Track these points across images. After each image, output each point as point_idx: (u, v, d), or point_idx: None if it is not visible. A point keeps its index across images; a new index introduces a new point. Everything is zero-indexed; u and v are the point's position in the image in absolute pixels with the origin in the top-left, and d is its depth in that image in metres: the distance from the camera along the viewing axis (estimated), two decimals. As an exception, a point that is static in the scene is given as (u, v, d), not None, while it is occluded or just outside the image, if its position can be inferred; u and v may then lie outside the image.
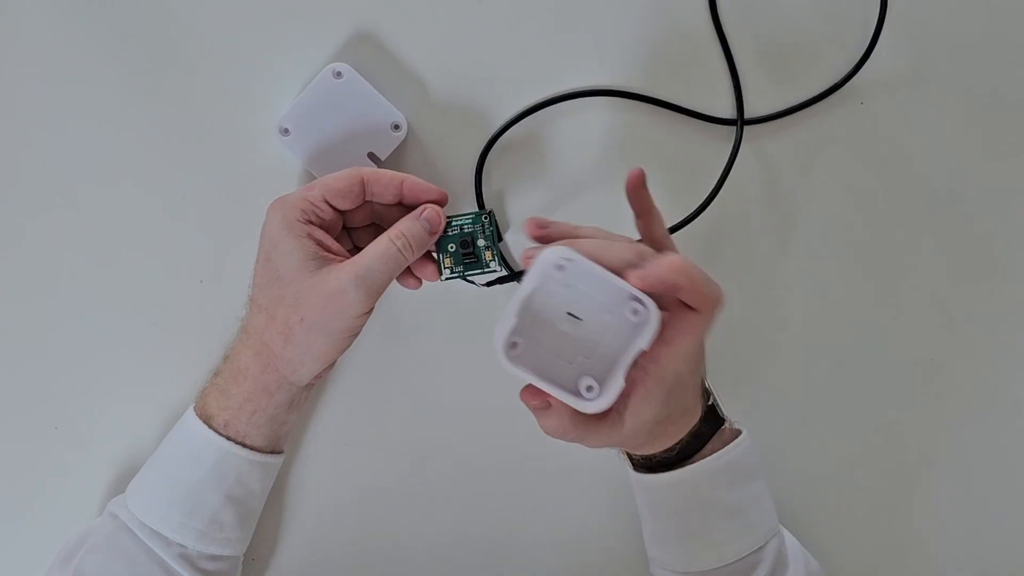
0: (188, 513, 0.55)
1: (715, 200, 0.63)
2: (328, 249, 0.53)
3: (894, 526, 0.68)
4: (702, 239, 0.64)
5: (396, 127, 0.59)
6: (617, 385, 0.47)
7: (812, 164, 0.65)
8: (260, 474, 0.58)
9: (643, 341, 0.47)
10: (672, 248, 0.56)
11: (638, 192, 0.54)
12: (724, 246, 0.65)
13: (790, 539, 0.60)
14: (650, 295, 0.46)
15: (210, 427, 0.55)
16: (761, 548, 0.57)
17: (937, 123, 0.66)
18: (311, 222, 0.53)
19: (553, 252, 0.47)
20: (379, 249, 0.52)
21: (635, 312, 0.47)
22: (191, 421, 0.56)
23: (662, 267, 0.46)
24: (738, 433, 0.58)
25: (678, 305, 0.48)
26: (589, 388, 0.48)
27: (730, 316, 0.64)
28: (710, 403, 0.56)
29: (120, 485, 0.62)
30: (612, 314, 0.48)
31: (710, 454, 0.56)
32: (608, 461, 0.64)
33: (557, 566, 0.66)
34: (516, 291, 0.47)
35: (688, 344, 0.48)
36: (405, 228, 0.53)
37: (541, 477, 0.65)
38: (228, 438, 0.55)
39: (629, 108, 0.63)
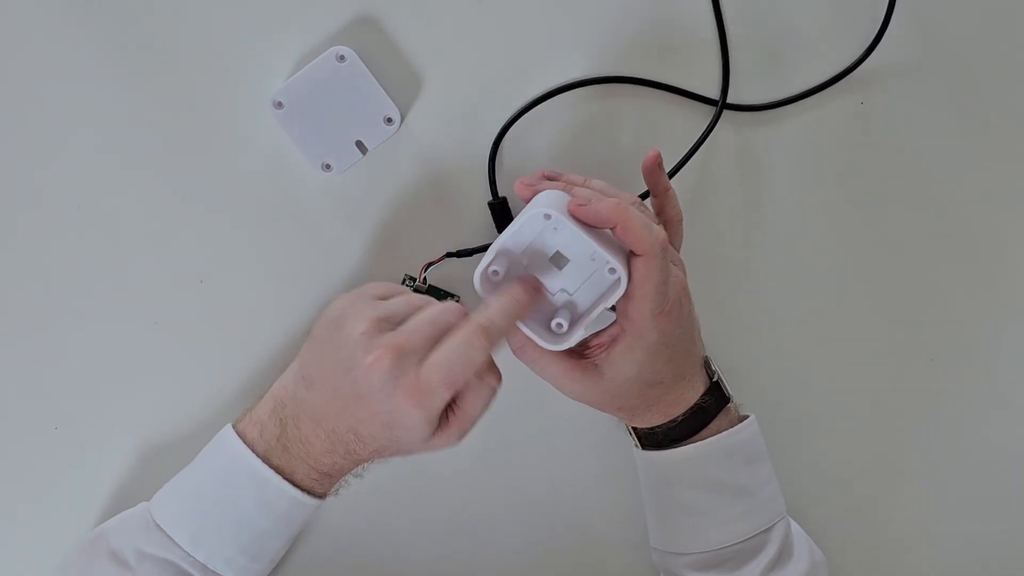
0: (253, 557, 0.55)
1: (708, 191, 0.64)
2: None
3: (893, 524, 0.68)
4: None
5: (389, 120, 0.60)
6: (576, 335, 0.51)
7: (808, 158, 0.66)
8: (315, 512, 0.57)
9: (608, 301, 0.50)
10: (680, 231, 0.59)
11: (653, 173, 0.57)
12: (715, 239, 0.66)
13: (796, 528, 0.60)
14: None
15: (283, 477, 0.53)
16: (768, 529, 0.57)
17: (936, 122, 0.66)
18: None
19: (544, 199, 0.50)
20: (480, 403, 0.50)
21: (611, 271, 0.50)
22: (263, 470, 0.53)
23: (603, 204, 0.49)
24: (745, 417, 0.58)
25: (631, 258, 0.50)
26: (559, 325, 0.51)
27: (726, 315, 0.65)
28: (714, 380, 0.57)
29: (119, 487, 0.62)
30: (596, 263, 0.51)
31: (717, 433, 0.56)
32: (609, 458, 0.65)
33: (556, 560, 0.65)
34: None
35: (649, 293, 0.50)
36: (495, 372, 0.51)
37: (540, 472, 0.65)
38: (301, 489, 0.54)
39: (630, 92, 0.64)
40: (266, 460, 0.53)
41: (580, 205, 0.50)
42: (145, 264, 0.62)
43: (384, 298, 0.52)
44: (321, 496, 0.55)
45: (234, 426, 0.55)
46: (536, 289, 0.51)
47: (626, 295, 0.51)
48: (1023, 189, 0.67)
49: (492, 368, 0.51)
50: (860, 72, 0.65)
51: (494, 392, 0.51)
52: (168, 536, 0.54)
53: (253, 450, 0.53)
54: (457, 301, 0.60)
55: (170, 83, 0.61)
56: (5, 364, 0.62)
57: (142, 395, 0.62)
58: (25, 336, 0.62)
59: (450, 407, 0.50)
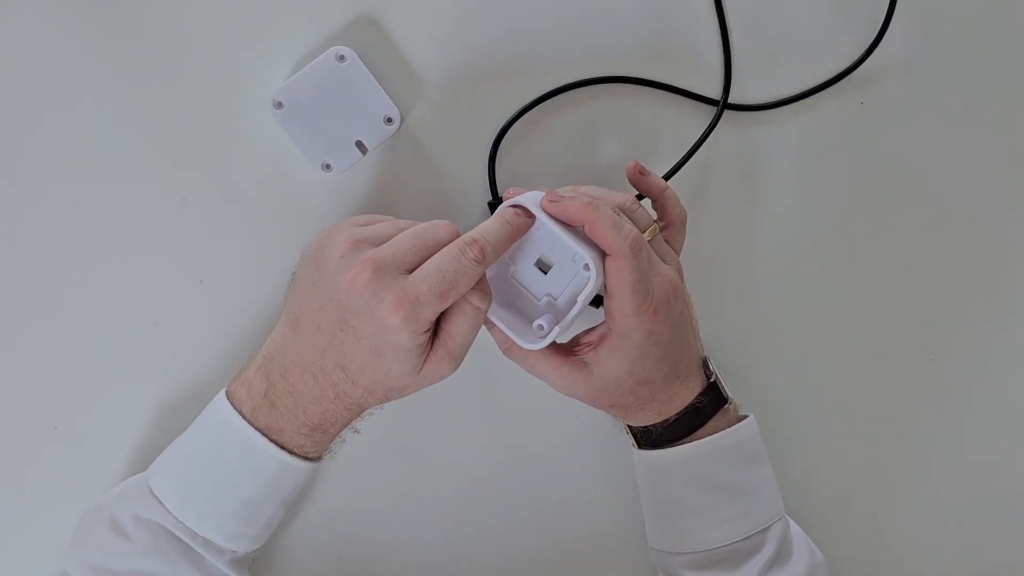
0: (244, 523, 0.54)
1: (710, 191, 0.65)
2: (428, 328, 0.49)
3: (893, 524, 0.68)
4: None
5: (389, 120, 0.60)
6: (554, 334, 0.51)
7: (809, 158, 0.66)
8: (312, 476, 0.57)
9: (581, 298, 0.50)
10: (682, 231, 0.59)
11: (639, 183, 0.58)
12: (715, 240, 0.66)
13: (796, 529, 0.60)
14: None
15: (269, 439, 0.53)
16: (766, 529, 0.57)
17: (936, 122, 0.66)
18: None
19: (522, 199, 0.51)
20: (467, 325, 0.49)
21: (586, 268, 0.50)
22: (249, 432, 0.52)
23: (573, 202, 0.50)
24: (744, 417, 0.59)
25: (605, 257, 0.51)
26: (540, 327, 0.51)
27: (725, 315, 0.65)
28: (711, 380, 0.57)
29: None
30: (576, 264, 0.51)
31: (714, 432, 0.56)
32: (608, 457, 0.65)
33: (555, 559, 0.65)
34: None
35: (625, 292, 0.50)
36: (480, 292, 0.50)
37: (539, 471, 0.66)
38: (290, 452, 0.53)
39: (630, 92, 0.64)
40: (253, 420, 0.53)
41: (552, 201, 0.50)
42: (145, 264, 0.62)
43: (363, 224, 0.52)
44: (314, 459, 0.54)
45: (227, 388, 0.55)
46: (527, 216, 0.51)
47: (608, 295, 0.51)
48: (1023, 189, 0.67)
49: (480, 289, 0.49)
50: (860, 72, 0.65)
51: (481, 313, 0.50)
52: (159, 501, 0.54)
53: (240, 411, 0.53)
54: None
55: (170, 83, 0.61)
56: (5, 364, 0.62)
57: (142, 395, 0.62)
58: (25, 336, 0.62)
59: (435, 337, 0.49)
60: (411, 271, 0.48)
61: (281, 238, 0.62)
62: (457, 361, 0.50)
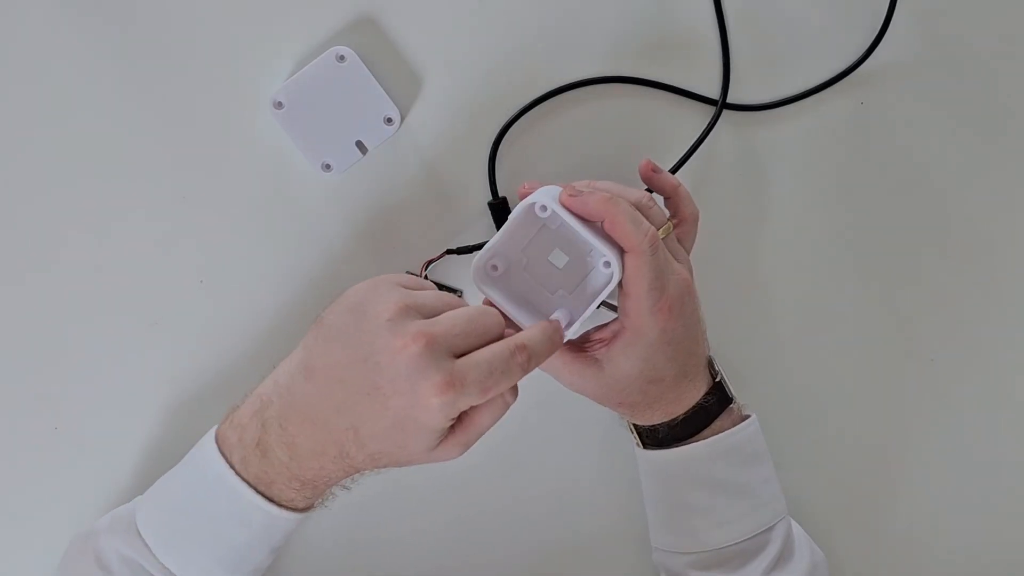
0: (233, 569, 0.53)
1: (709, 191, 0.65)
2: None
3: (893, 524, 0.68)
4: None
5: (389, 121, 0.60)
6: (571, 331, 0.50)
7: (809, 158, 0.66)
8: (302, 523, 0.55)
9: (600, 296, 0.50)
10: (694, 229, 0.59)
11: (652, 180, 0.58)
12: (715, 240, 0.66)
13: (797, 528, 0.60)
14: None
15: (257, 492, 0.50)
16: (770, 529, 0.57)
17: (936, 122, 0.67)
18: None
19: (540, 194, 0.51)
20: (493, 417, 0.48)
21: (606, 264, 0.50)
22: (236, 484, 0.51)
23: (593, 197, 0.50)
24: (747, 416, 0.59)
25: (623, 254, 0.50)
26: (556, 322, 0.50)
27: (726, 315, 0.65)
28: (717, 380, 0.57)
29: (120, 487, 0.62)
30: (592, 259, 0.51)
31: (719, 432, 0.57)
32: (610, 457, 0.65)
33: (556, 560, 0.65)
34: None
35: (642, 289, 0.50)
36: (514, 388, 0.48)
37: (539, 471, 0.65)
38: (280, 505, 0.51)
39: (630, 92, 0.64)
40: (242, 470, 0.51)
41: (571, 196, 0.50)
42: (145, 264, 0.62)
43: (409, 288, 0.50)
44: (302, 510, 0.52)
45: (217, 428, 0.53)
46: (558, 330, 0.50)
47: (624, 292, 0.51)
48: (1022, 188, 0.67)
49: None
50: (860, 72, 0.65)
51: (507, 408, 0.49)
52: (144, 543, 0.52)
53: (230, 459, 0.51)
54: (460, 295, 0.61)
55: (170, 83, 0.61)
56: (5, 364, 0.62)
57: (141, 395, 0.62)
58: (25, 336, 0.62)
59: (457, 421, 0.48)
60: (458, 356, 0.46)
61: (281, 238, 0.62)
62: (468, 448, 0.49)
